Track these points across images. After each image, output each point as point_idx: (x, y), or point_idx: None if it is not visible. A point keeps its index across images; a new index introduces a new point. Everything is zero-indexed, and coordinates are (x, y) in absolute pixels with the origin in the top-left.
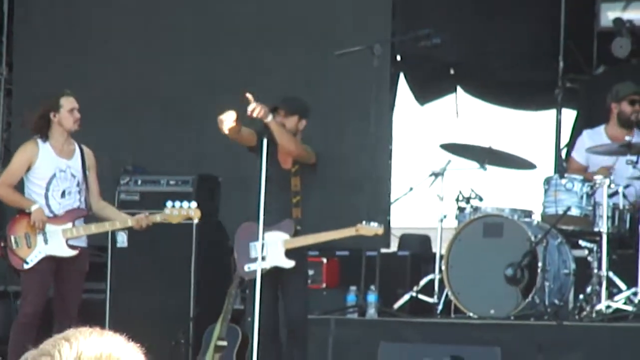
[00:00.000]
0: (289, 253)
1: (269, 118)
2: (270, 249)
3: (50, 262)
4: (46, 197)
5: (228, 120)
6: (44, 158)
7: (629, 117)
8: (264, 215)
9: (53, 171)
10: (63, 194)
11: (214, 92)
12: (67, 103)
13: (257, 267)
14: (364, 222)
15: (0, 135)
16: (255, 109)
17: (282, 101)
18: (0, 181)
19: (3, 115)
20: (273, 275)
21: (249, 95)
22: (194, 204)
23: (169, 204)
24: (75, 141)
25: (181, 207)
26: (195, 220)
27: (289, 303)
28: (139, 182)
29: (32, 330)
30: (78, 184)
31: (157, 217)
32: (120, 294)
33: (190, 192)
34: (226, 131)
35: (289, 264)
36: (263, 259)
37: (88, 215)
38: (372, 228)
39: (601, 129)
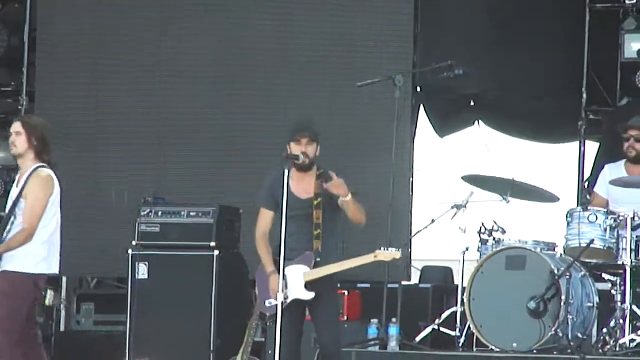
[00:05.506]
0: (309, 285)
1: (348, 197)
2: (290, 282)
3: None
4: None
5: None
6: None
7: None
8: (285, 249)
9: None
10: None
11: (234, 122)
12: None
13: (277, 302)
14: (382, 248)
15: None
16: (336, 186)
17: (304, 127)
18: None
19: None
20: (298, 309)
21: (333, 175)
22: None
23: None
24: None
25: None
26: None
27: (321, 334)
28: (160, 213)
29: None
30: None
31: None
32: (141, 325)
33: (210, 224)
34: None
35: (308, 295)
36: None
37: None
38: (390, 253)
39: (621, 163)
